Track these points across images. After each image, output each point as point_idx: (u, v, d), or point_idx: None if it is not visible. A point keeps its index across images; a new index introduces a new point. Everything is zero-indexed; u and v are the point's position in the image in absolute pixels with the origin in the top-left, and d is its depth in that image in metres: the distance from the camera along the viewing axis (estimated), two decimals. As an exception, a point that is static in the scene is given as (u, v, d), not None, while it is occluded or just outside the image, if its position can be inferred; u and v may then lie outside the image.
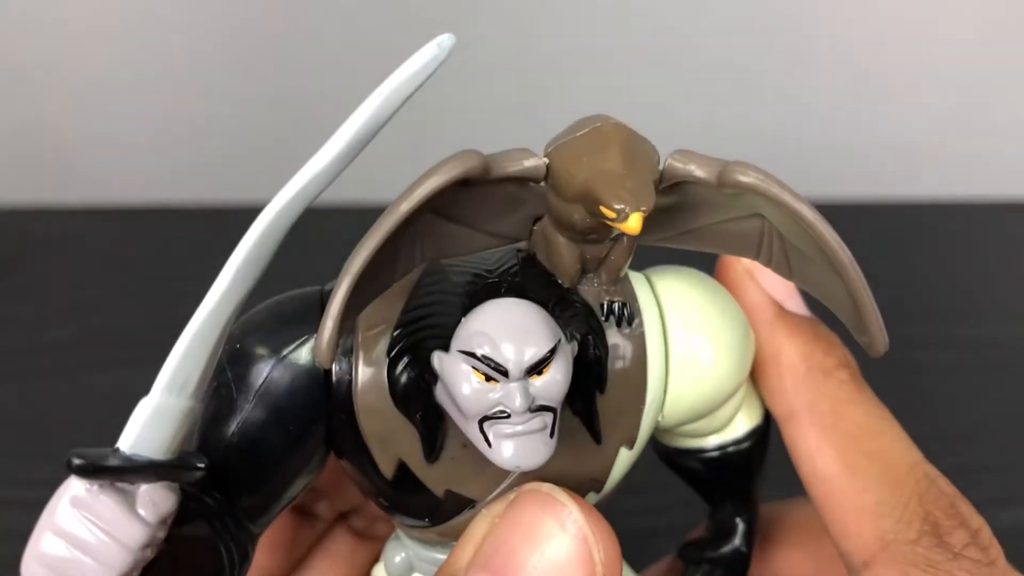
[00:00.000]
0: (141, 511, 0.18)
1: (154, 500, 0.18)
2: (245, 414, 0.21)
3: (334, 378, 0.21)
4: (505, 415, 0.19)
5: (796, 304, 0.25)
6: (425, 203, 0.19)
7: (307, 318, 0.21)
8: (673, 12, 0.59)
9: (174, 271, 0.56)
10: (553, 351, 0.19)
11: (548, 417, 0.19)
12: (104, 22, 0.59)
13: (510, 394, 0.19)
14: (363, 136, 0.19)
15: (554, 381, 0.19)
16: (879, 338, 0.20)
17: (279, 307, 0.22)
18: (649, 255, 0.23)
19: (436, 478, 0.21)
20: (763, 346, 0.25)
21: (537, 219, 0.21)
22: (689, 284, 0.23)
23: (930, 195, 0.63)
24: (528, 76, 0.60)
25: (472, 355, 0.19)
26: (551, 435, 0.19)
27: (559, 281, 0.21)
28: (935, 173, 0.63)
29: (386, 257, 0.19)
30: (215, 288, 0.19)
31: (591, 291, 0.22)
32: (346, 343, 0.21)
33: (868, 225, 0.61)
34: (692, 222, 0.21)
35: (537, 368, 0.19)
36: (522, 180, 0.19)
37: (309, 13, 0.58)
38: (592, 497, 0.22)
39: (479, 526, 0.20)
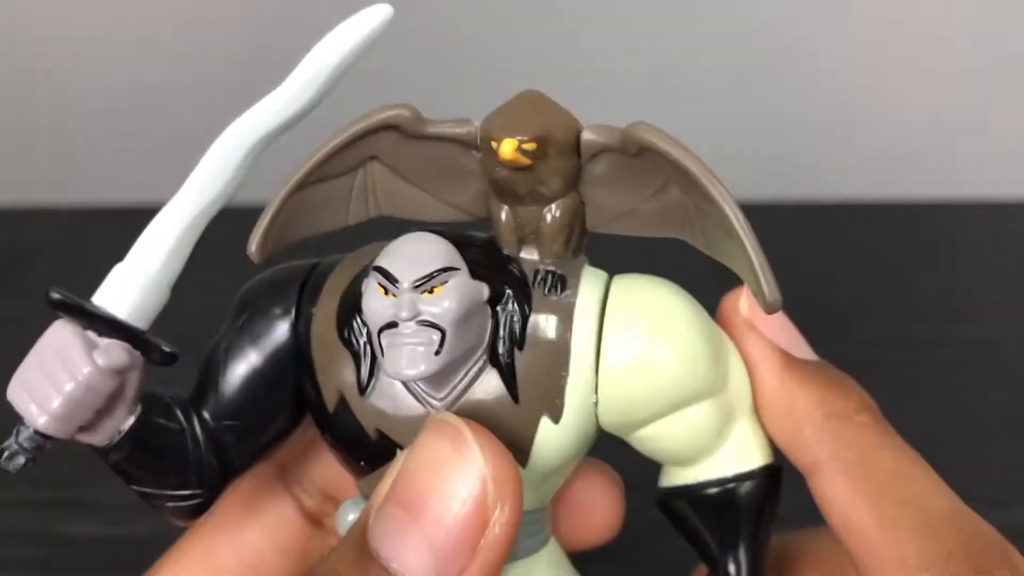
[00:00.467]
0: (95, 355, 0.21)
1: (108, 350, 0.21)
2: (229, 341, 0.23)
3: (301, 317, 0.23)
4: (395, 325, 0.20)
5: (804, 351, 0.24)
6: (365, 147, 0.22)
7: (292, 279, 0.24)
8: (673, 12, 0.59)
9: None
10: (444, 272, 0.21)
11: (435, 334, 0.20)
12: (105, 22, 0.59)
13: (399, 303, 0.20)
14: (306, 83, 0.23)
15: (440, 299, 0.20)
16: (768, 293, 0.20)
17: (273, 272, 0.24)
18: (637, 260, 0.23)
19: (368, 414, 0.22)
20: (776, 398, 0.23)
21: None
22: (647, 282, 0.23)
23: (930, 195, 0.63)
24: (525, 73, 0.60)
25: (375, 268, 0.21)
26: (436, 352, 0.20)
27: (503, 250, 0.23)
28: (934, 173, 0.63)
29: (333, 193, 0.22)
30: (182, 188, 0.23)
31: (530, 262, 0.23)
32: (315, 289, 0.23)
33: (868, 225, 0.61)
34: (624, 204, 0.22)
35: (426, 285, 0.20)
36: (462, 144, 0.22)
37: (310, 14, 0.58)
38: None
39: (396, 460, 0.21)
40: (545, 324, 0.22)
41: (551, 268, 0.22)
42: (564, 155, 0.21)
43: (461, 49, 0.60)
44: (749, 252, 0.20)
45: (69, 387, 0.21)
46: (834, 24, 0.60)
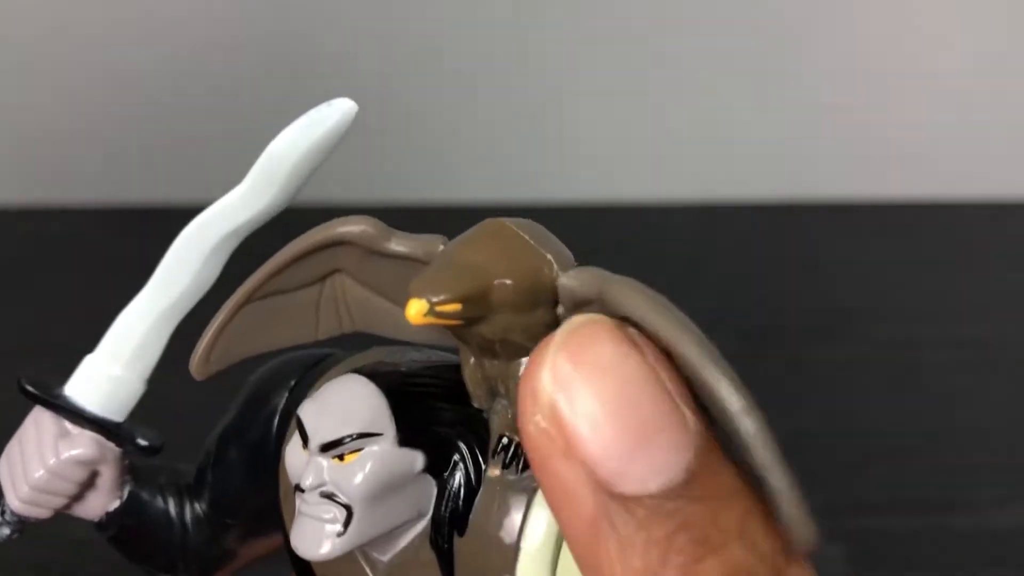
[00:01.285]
0: (61, 445, 0.21)
1: (74, 442, 0.21)
2: (229, 434, 0.22)
3: (280, 429, 0.21)
4: (301, 489, 0.18)
5: (643, 471, 0.14)
6: (326, 259, 0.19)
7: (290, 376, 0.22)
8: (673, 12, 0.59)
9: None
10: (360, 439, 0.17)
11: (340, 513, 0.18)
12: (105, 22, 0.59)
13: (304, 467, 0.18)
14: (265, 180, 0.22)
15: (349, 473, 0.17)
16: (798, 533, 0.14)
17: (283, 360, 0.22)
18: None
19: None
20: (583, 568, 0.15)
21: None
22: None
23: (930, 195, 0.63)
24: (526, 79, 0.60)
25: (296, 417, 0.18)
26: (340, 534, 0.18)
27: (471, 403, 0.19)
28: (934, 173, 0.63)
29: (300, 307, 0.20)
30: (152, 278, 0.22)
31: (500, 422, 0.18)
32: (302, 396, 0.21)
33: (868, 225, 0.61)
34: None
35: (335, 451, 0.18)
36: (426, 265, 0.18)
37: (310, 15, 0.58)
38: None
39: None
40: (495, 509, 0.18)
41: (518, 439, 0.18)
42: (520, 310, 0.16)
43: (457, 50, 0.60)
44: (768, 473, 0.14)
45: (36, 475, 0.21)
46: (835, 24, 0.60)
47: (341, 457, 0.18)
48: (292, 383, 0.22)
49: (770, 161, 0.62)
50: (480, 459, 0.18)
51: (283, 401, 0.21)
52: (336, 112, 0.21)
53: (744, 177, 0.62)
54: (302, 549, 0.18)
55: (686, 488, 0.14)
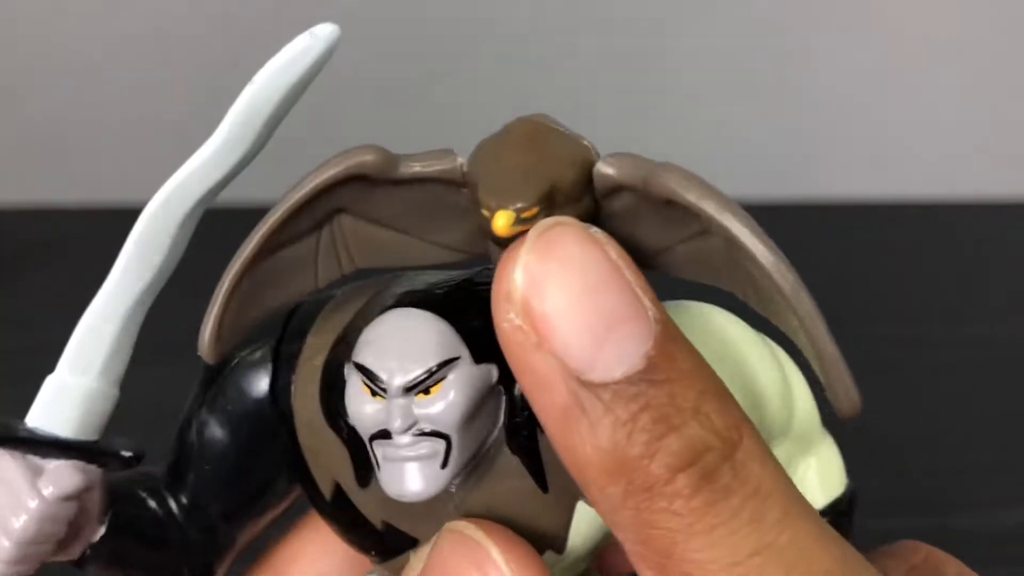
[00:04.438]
0: (40, 484, 0.18)
1: (57, 477, 0.18)
2: (201, 416, 0.20)
3: (279, 385, 0.20)
4: (387, 435, 0.17)
5: (609, 359, 0.15)
6: (327, 202, 0.18)
7: (262, 331, 0.20)
8: (672, 12, 0.59)
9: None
10: (442, 368, 0.17)
11: (439, 444, 0.17)
12: (105, 22, 0.59)
13: (390, 412, 0.17)
14: (243, 130, 0.19)
15: (443, 404, 0.17)
16: (843, 395, 0.15)
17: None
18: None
19: (372, 506, 0.19)
20: (559, 448, 0.16)
21: None
22: (697, 320, 0.20)
23: (930, 195, 0.63)
24: (519, 73, 0.60)
25: (356, 365, 0.17)
26: (443, 466, 0.17)
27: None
28: (934, 173, 0.63)
29: (299, 259, 0.18)
30: (111, 274, 0.20)
31: None
32: (292, 347, 0.20)
33: (868, 225, 0.61)
34: (656, 242, 0.18)
35: (419, 387, 0.17)
36: (446, 183, 0.17)
37: (312, 14, 0.58)
38: (551, 557, 0.19)
39: (411, 569, 0.18)
40: None
41: None
42: (573, 200, 0.17)
43: (451, 42, 0.60)
44: (816, 336, 0.16)
45: (18, 526, 0.18)
46: (835, 24, 0.60)
47: (427, 391, 0.17)
48: (271, 355, 0.20)
49: (769, 161, 0.62)
50: None
51: (269, 367, 0.20)
52: (321, 42, 0.19)
53: (743, 177, 0.62)
54: (408, 493, 0.17)
55: (646, 373, 0.15)
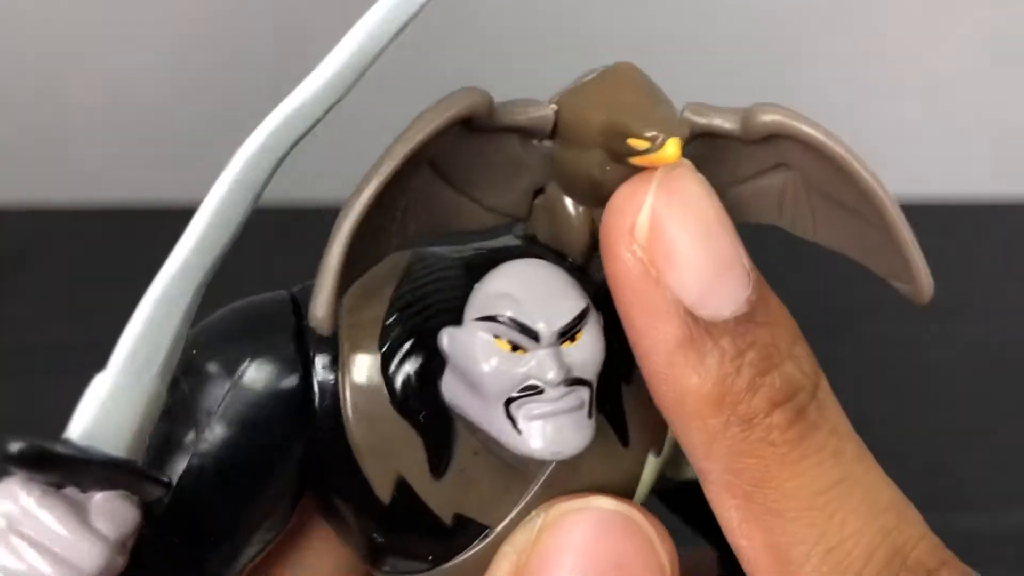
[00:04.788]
0: (98, 525, 0.14)
1: (113, 510, 0.14)
2: (204, 440, 0.17)
3: (315, 384, 0.17)
4: (535, 391, 0.16)
5: (719, 298, 0.17)
6: (423, 150, 0.16)
7: (276, 324, 0.18)
8: (672, 12, 0.59)
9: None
10: (585, 313, 0.17)
11: (584, 392, 0.17)
12: (105, 22, 0.59)
13: (542, 363, 0.16)
14: (349, 73, 0.17)
15: (590, 347, 0.17)
16: (925, 282, 0.18)
17: (243, 311, 0.18)
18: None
19: (443, 498, 0.18)
20: (661, 387, 0.17)
21: (537, 193, 0.18)
22: None
23: (930, 195, 0.63)
24: (518, 77, 0.60)
25: (493, 319, 0.16)
26: (589, 415, 0.17)
27: (568, 259, 0.18)
28: (935, 173, 0.63)
29: (383, 218, 0.17)
30: (181, 245, 0.16)
31: (597, 274, 0.18)
32: (325, 340, 0.18)
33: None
34: (722, 181, 0.18)
35: (570, 332, 0.16)
36: (526, 134, 0.17)
37: (313, 14, 0.58)
38: None
39: (501, 567, 0.17)
40: None
41: None
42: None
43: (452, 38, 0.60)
44: (904, 239, 0.17)
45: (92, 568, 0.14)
46: (834, 24, 0.60)
47: (572, 337, 0.17)
48: (294, 336, 0.18)
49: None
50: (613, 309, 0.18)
51: (298, 368, 0.17)
52: None
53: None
54: (568, 448, 0.16)
55: (750, 316, 0.17)
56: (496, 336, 0.16)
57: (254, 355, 0.17)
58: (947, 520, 0.42)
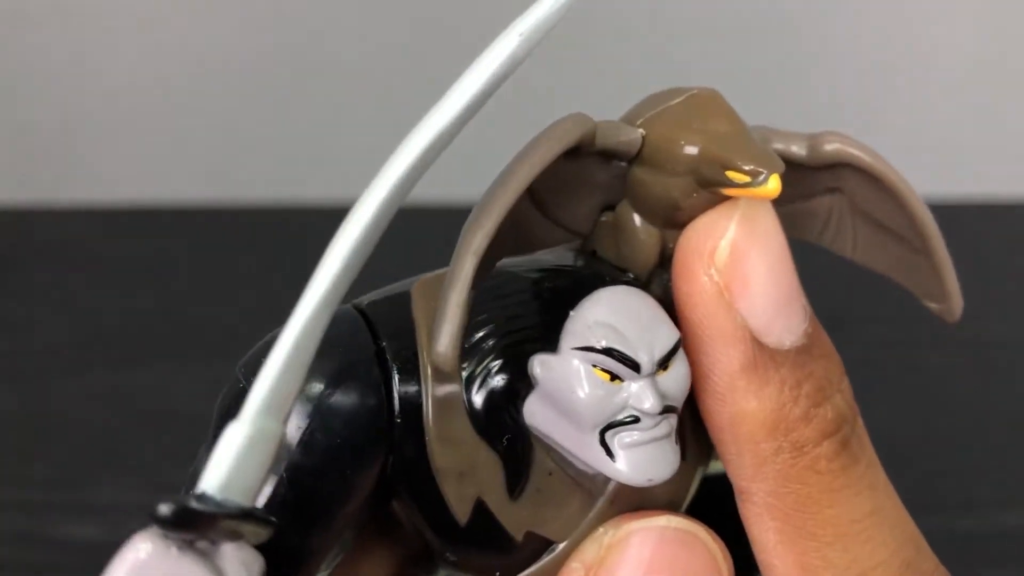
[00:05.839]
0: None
1: (245, 562, 0.14)
2: (290, 468, 0.17)
3: (396, 404, 0.17)
4: (631, 420, 0.16)
5: (782, 328, 0.18)
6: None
7: (354, 347, 0.17)
8: (673, 12, 0.59)
9: (174, 271, 0.56)
10: (680, 342, 0.17)
11: (674, 420, 0.17)
12: (105, 22, 0.59)
13: (640, 393, 0.16)
14: (480, 100, 0.16)
15: (681, 375, 0.17)
16: (957, 303, 0.19)
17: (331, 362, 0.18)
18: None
19: (517, 517, 0.18)
20: (718, 409, 0.18)
21: (604, 210, 0.19)
22: None
23: (930, 195, 0.63)
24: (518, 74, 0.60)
25: (593, 350, 0.16)
26: (676, 441, 0.17)
27: (629, 276, 0.18)
28: (936, 173, 0.63)
29: (497, 248, 0.17)
30: (314, 291, 0.15)
31: (657, 290, 0.18)
32: (404, 353, 0.18)
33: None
34: None
35: (666, 362, 0.17)
36: (611, 156, 0.17)
37: (313, 14, 0.58)
38: None
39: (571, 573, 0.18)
40: None
41: None
42: None
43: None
44: (946, 266, 0.19)
45: None
46: (834, 24, 0.60)
47: (665, 366, 0.17)
48: (375, 357, 0.17)
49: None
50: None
51: (380, 389, 0.17)
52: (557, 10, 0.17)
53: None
54: (662, 475, 0.17)
55: (807, 348, 0.18)
56: (594, 365, 0.16)
57: (337, 382, 0.17)
58: (947, 520, 0.42)
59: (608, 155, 0.17)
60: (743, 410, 0.17)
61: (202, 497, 0.14)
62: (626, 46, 0.60)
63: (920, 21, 0.60)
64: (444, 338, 0.15)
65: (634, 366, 0.16)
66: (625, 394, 0.16)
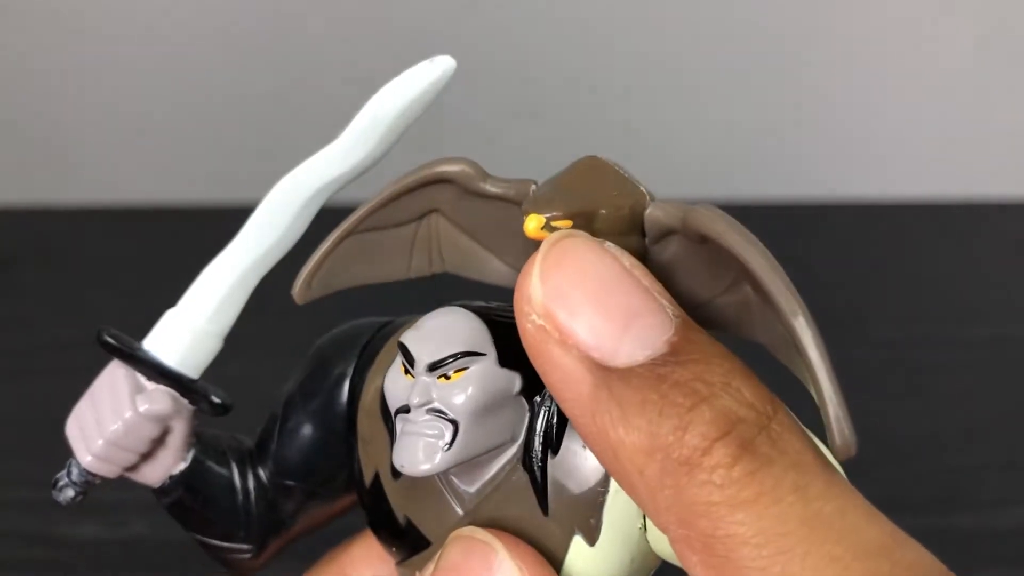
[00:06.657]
0: (138, 400, 0.21)
1: (153, 398, 0.21)
2: (290, 399, 0.23)
3: (356, 378, 0.22)
4: (405, 409, 0.19)
5: (632, 346, 0.16)
6: (425, 199, 0.21)
7: (356, 341, 0.23)
8: (673, 12, 0.59)
9: (174, 271, 0.56)
10: (465, 357, 0.18)
11: (446, 428, 0.18)
12: (105, 22, 0.59)
13: (412, 387, 0.19)
14: (363, 137, 0.22)
15: (459, 391, 0.18)
16: (837, 436, 0.15)
17: (345, 328, 0.23)
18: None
19: (399, 499, 0.21)
20: (593, 442, 0.17)
21: None
22: None
23: (930, 195, 0.63)
24: (519, 72, 0.60)
25: (399, 344, 0.19)
26: (447, 448, 0.18)
27: (487, 304, 0.20)
28: (934, 173, 0.63)
29: (394, 245, 0.21)
30: (239, 234, 0.22)
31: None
32: (376, 346, 0.22)
33: (869, 225, 0.61)
34: (699, 293, 0.18)
35: (443, 370, 0.18)
36: (516, 204, 0.19)
37: (311, 14, 0.58)
38: None
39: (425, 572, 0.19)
40: None
41: None
42: (618, 234, 0.18)
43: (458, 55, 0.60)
44: (818, 380, 0.16)
45: (111, 428, 0.21)
46: (834, 24, 0.60)
47: (447, 376, 0.19)
48: (359, 349, 0.22)
49: (770, 161, 0.62)
50: None
51: (351, 367, 0.22)
52: (437, 68, 0.21)
53: (742, 177, 0.62)
54: (408, 466, 0.18)
55: (671, 356, 0.16)
56: (400, 360, 0.19)
57: (332, 356, 0.23)
58: (948, 520, 0.42)
59: (515, 203, 0.19)
60: (613, 440, 0.16)
61: (134, 346, 0.22)
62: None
63: (921, 22, 0.60)
64: (297, 279, 0.21)
65: (411, 362, 0.19)
66: (407, 387, 0.19)
